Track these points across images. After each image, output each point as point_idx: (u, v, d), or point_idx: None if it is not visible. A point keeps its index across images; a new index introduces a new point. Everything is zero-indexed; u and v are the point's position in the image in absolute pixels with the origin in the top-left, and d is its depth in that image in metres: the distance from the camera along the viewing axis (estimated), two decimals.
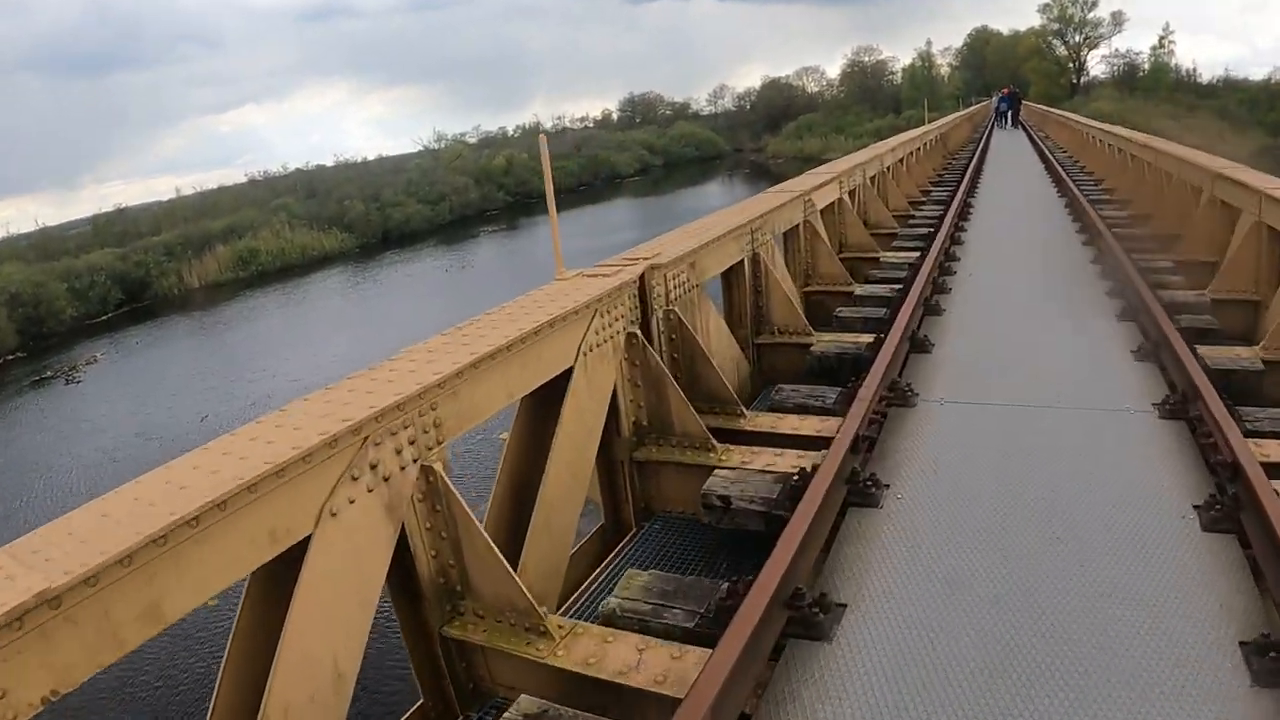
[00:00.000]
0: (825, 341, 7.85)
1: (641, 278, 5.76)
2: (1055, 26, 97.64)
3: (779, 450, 5.44)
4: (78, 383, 27.46)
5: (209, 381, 24.33)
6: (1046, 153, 25.00)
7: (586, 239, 42.89)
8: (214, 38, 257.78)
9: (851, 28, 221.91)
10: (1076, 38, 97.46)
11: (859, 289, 9.64)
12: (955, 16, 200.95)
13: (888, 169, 15.93)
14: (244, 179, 73.04)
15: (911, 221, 14.25)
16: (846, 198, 11.96)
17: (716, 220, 7.97)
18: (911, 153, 19.82)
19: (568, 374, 4.83)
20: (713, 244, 6.95)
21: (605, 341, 5.22)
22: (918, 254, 10.64)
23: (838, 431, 5.10)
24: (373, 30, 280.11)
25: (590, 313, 5.03)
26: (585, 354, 4.96)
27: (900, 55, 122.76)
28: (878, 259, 11.32)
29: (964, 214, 14.23)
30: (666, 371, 5.63)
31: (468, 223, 58.77)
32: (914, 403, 6.10)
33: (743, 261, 7.80)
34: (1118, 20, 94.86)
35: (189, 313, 38.87)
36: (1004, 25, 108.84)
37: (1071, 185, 16.26)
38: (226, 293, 42.25)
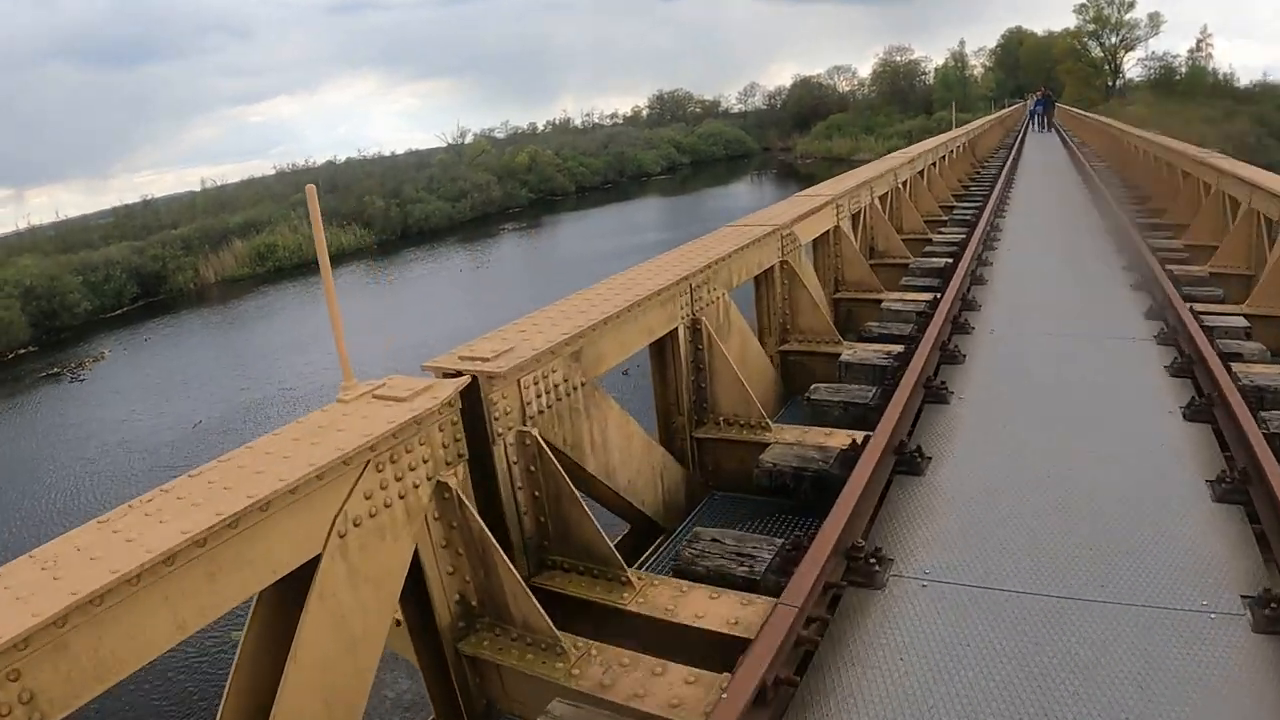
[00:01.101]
0: (783, 445, 5.74)
1: (469, 390, 4.04)
2: (1091, 28, 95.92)
3: (662, 662, 3.65)
4: (81, 381, 27.10)
5: (209, 385, 23.98)
6: (1083, 162, 23.55)
7: (608, 239, 43.06)
8: (244, 29, 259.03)
9: (885, 27, 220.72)
10: (1113, 39, 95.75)
11: (847, 352, 7.36)
12: (989, 17, 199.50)
13: (904, 184, 14.29)
14: (272, 171, 72.23)
15: (929, 248, 12.36)
16: (846, 225, 9.93)
17: (644, 275, 5.93)
18: (934, 163, 18.13)
19: (313, 564, 3.26)
20: (621, 317, 5.09)
21: (391, 505, 3.59)
22: (930, 296, 8.96)
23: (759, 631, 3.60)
24: (402, 22, 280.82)
25: (353, 470, 3.40)
26: (343, 534, 3.35)
27: (933, 55, 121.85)
28: (879, 302, 9.17)
29: (990, 238, 12.59)
30: (490, 537, 3.87)
31: (489, 220, 58.14)
32: (881, 582, 4.20)
33: (674, 333, 5.84)
34: (1155, 22, 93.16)
35: (202, 309, 38.71)
36: (1039, 26, 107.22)
37: (1115, 206, 14.63)
38: (242, 289, 42.06)
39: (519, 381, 4.22)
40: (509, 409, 4.17)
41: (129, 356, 30.30)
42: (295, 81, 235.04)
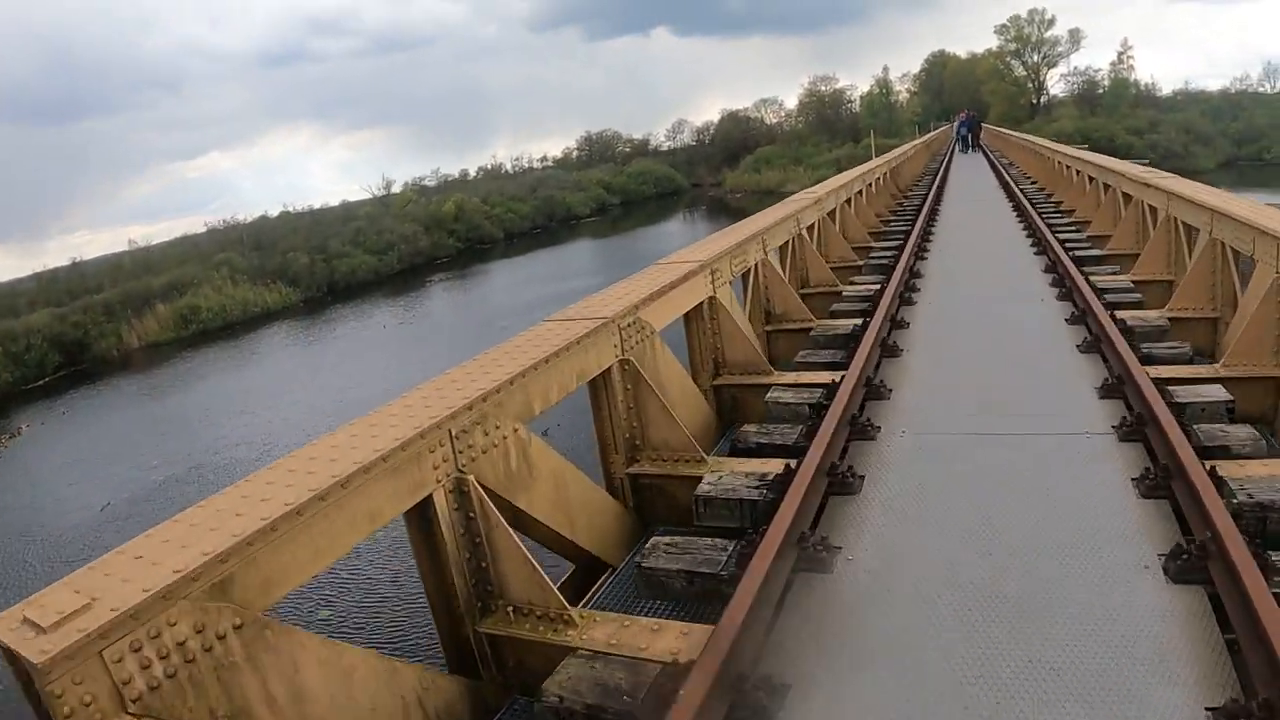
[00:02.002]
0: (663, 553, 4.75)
1: None
2: (1013, 47, 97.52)
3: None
4: None
5: (120, 463, 22.33)
6: (1011, 184, 21.92)
7: (535, 287, 42.08)
8: (178, 83, 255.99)
9: (811, 58, 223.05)
10: (1035, 57, 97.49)
11: (710, 477, 5.36)
12: (913, 42, 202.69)
13: (809, 229, 12.15)
14: (204, 228, 70.47)
15: (836, 305, 10.27)
16: (725, 295, 7.84)
17: (573, 314, 5.77)
18: (849, 200, 15.95)
19: None
20: (551, 360, 4.89)
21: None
22: (829, 379, 6.77)
23: None
24: (336, 74, 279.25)
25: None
26: None
27: (858, 83, 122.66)
28: (768, 386, 7.08)
29: (908, 289, 10.47)
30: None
31: (417, 272, 57.13)
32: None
33: (608, 372, 5.60)
34: (1075, 38, 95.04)
35: (123, 377, 36.76)
36: (962, 49, 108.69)
37: (1049, 236, 12.91)
38: (165, 353, 40.23)
39: (450, 431, 4.07)
40: (445, 456, 4.05)
41: (45, 432, 28.59)
42: (231, 135, 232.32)
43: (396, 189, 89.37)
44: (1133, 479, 4.73)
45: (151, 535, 3.12)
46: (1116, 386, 6.16)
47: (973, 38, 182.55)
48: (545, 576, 4.15)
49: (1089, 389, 6.37)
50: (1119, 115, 79.56)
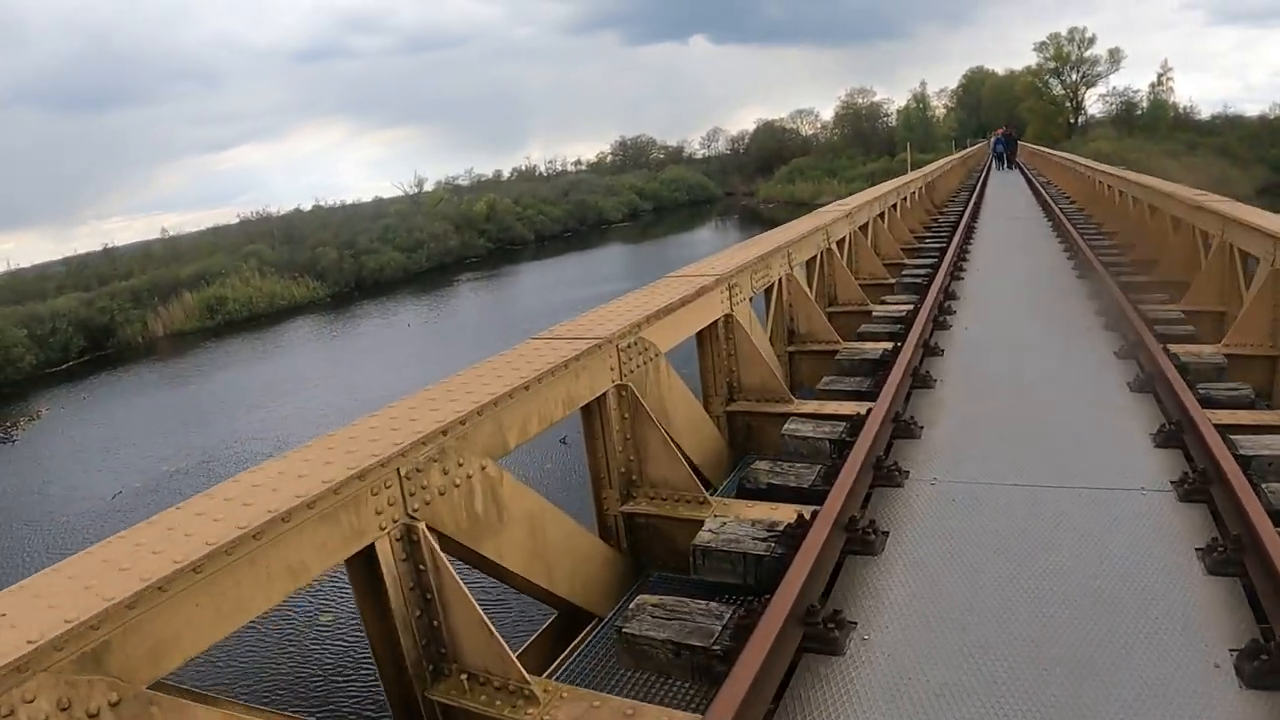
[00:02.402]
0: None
1: None
2: (1052, 65, 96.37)
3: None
4: (11, 443, 25.48)
5: (135, 451, 22.23)
6: (1051, 204, 21.09)
7: (563, 291, 41.64)
8: (212, 76, 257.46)
9: (848, 70, 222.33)
10: (1074, 76, 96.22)
11: (711, 523, 4.71)
12: (951, 58, 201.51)
13: (839, 243, 11.43)
14: (236, 220, 70.66)
15: (864, 329, 9.44)
16: (743, 312, 7.18)
17: (571, 332, 5.23)
18: (882, 213, 15.18)
19: None
20: (533, 386, 4.37)
21: None
22: (854, 410, 6.22)
23: None
24: (370, 71, 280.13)
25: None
26: None
27: (895, 97, 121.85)
28: (786, 416, 6.41)
29: (943, 311, 9.74)
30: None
31: (446, 271, 56.94)
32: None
33: (603, 398, 5.05)
34: (1115, 58, 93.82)
35: (146, 364, 37.06)
36: (1000, 65, 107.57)
37: (1092, 259, 11.96)
38: (189, 343, 40.34)
39: (398, 470, 3.53)
40: (391, 499, 3.50)
41: (64, 416, 28.63)
42: (263, 129, 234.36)
43: (429, 187, 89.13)
44: (1198, 549, 4.07)
45: (24, 587, 2.65)
46: (1175, 434, 5.46)
47: (1011, 54, 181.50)
48: (503, 643, 3.55)
49: (1143, 435, 5.66)
50: (1157, 137, 78.23)
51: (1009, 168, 44.28)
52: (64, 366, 37.30)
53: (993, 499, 4.90)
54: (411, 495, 3.56)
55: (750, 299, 7.47)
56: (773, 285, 8.32)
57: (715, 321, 6.71)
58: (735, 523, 4.62)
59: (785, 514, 4.63)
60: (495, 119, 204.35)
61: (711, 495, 5.20)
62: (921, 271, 12.54)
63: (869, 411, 5.85)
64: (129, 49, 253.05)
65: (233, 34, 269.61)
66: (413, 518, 3.56)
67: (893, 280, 12.48)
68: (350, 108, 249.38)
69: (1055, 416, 6.23)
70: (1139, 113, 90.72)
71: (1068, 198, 25.47)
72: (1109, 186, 19.24)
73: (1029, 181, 31.66)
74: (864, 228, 13.37)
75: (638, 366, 5.30)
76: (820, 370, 8.10)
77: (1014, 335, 8.84)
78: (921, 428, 6.11)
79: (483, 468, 3.95)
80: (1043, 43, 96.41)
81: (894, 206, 16.81)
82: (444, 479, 3.73)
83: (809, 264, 9.97)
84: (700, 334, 6.63)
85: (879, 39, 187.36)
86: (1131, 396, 6.52)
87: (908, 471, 5.36)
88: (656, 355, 5.53)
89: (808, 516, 4.34)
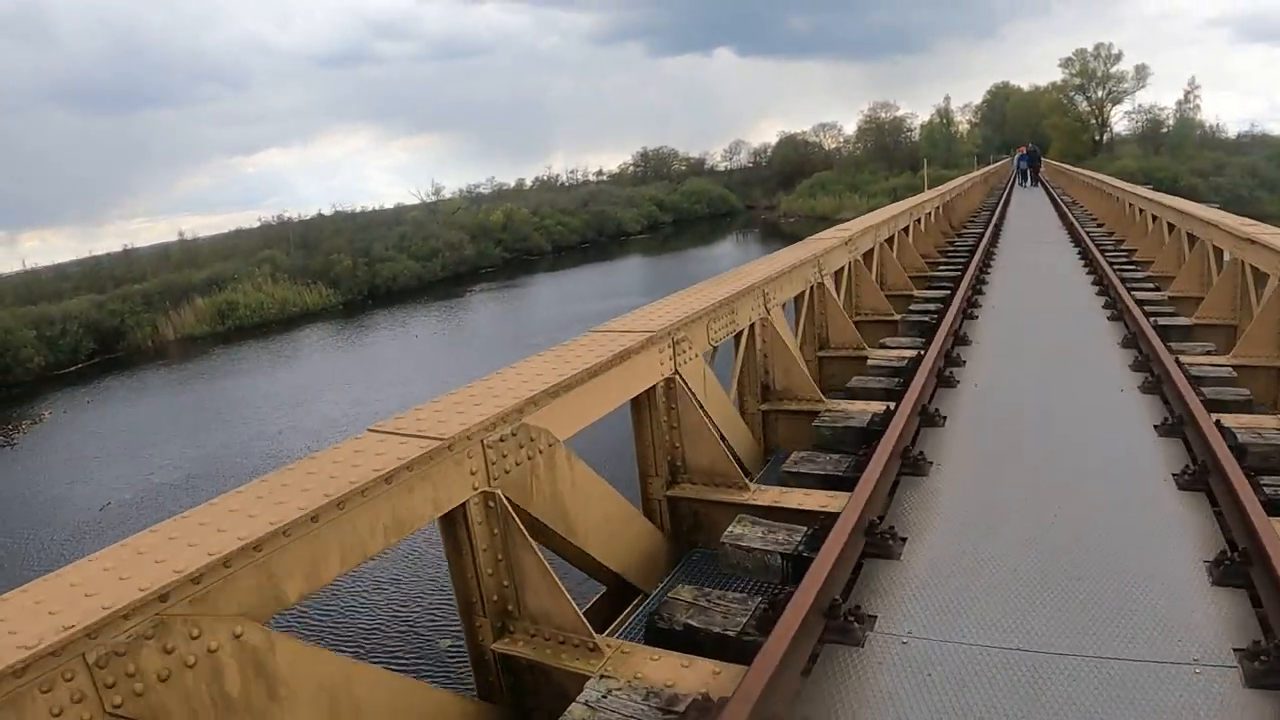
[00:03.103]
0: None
1: None
2: (1077, 81, 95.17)
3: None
4: (11, 446, 25.38)
5: (133, 459, 22.14)
6: (1077, 227, 19.39)
7: (579, 304, 41.50)
8: (239, 79, 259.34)
9: (872, 84, 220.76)
10: (1099, 92, 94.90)
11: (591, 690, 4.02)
12: (976, 73, 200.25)
13: (837, 273, 10.22)
14: (258, 223, 70.66)
15: (855, 383, 8.06)
16: (693, 371, 5.89)
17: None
18: (889, 239, 13.62)
19: None
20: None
21: None
22: (824, 503, 5.17)
23: None
24: (396, 77, 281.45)
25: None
26: None
27: (919, 112, 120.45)
28: (741, 506, 5.39)
29: (950, 362, 8.32)
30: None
31: (461, 280, 56.78)
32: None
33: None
34: (1141, 75, 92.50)
35: (154, 369, 37.05)
36: (1025, 81, 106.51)
37: (1125, 297, 10.52)
38: (199, 348, 40.56)
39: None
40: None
41: (67, 420, 28.60)
42: (289, 133, 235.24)
43: (449, 194, 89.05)
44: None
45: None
46: (1238, 569, 4.07)
47: (1037, 71, 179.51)
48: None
49: (1196, 567, 4.24)
50: (1184, 156, 76.90)
51: (1033, 184, 44.24)
52: (73, 368, 37.31)
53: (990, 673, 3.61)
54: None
55: (713, 351, 6.38)
56: (742, 332, 6.95)
57: (653, 387, 5.50)
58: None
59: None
60: (520, 128, 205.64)
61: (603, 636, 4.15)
62: (931, 308, 11.20)
63: (838, 516, 4.55)
64: (156, 50, 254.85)
65: (260, 37, 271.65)
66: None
67: (898, 316, 11.11)
68: (377, 114, 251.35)
69: (1084, 510, 4.87)
70: (1165, 130, 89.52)
71: (1094, 219, 24.25)
72: (1139, 210, 17.91)
73: (1053, 201, 30.41)
74: (868, 255, 12.10)
75: (513, 466, 4.17)
76: (799, 435, 6.99)
77: (1033, 398, 7.29)
78: (904, 540, 4.71)
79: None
80: (1068, 58, 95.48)
81: (906, 230, 15.37)
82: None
83: (798, 300, 8.75)
84: (636, 400, 5.42)
85: (902, 54, 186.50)
86: (1179, 495, 5.05)
87: (874, 618, 4.04)
88: (550, 445, 4.40)
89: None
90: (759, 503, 5.28)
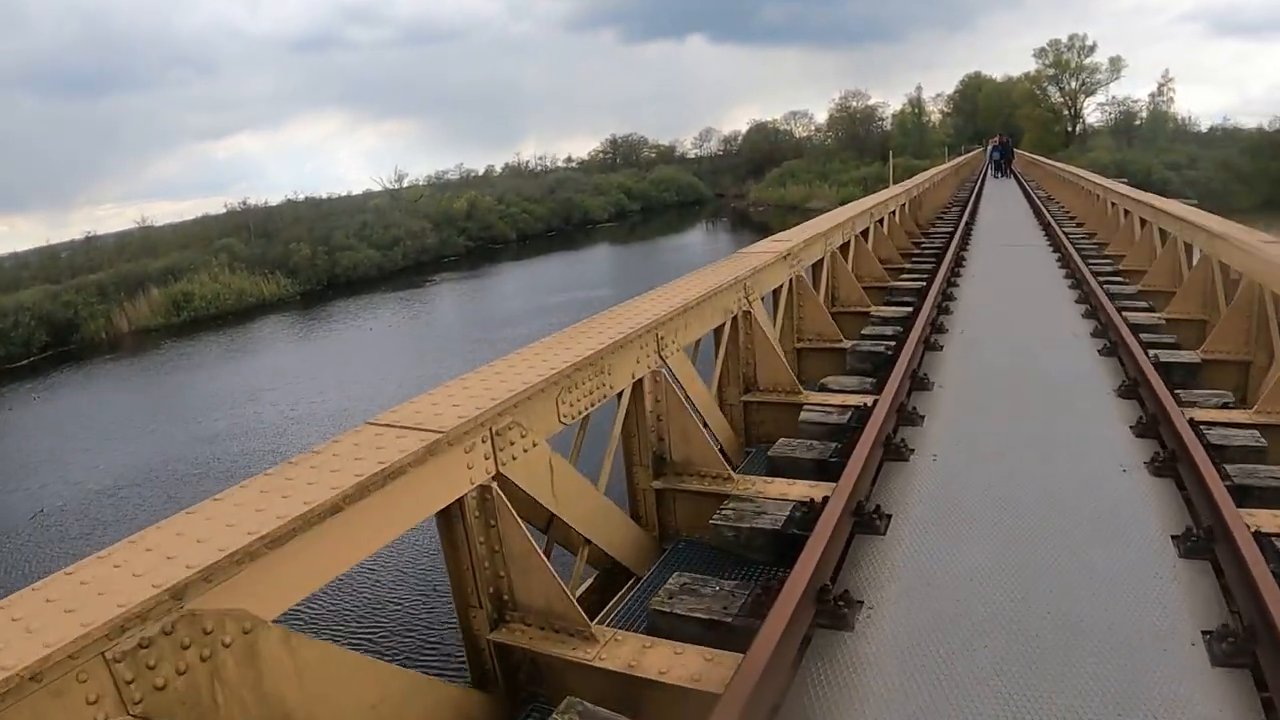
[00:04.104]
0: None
1: None
2: (1051, 72, 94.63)
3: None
4: None
5: (71, 460, 21.52)
6: (1054, 227, 17.62)
7: (540, 296, 41.23)
8: (208, 64, 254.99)
9: (844, 73, 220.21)
10: (1073, 84, 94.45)
11: None
12: (948, 63, 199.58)
13: (773, 295, 8.61)
14: (224, 209, 68.95)
15: (778, 451, 6.12)
16: (513, 471, 4.48)
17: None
18: (844, 246, 11.77)
19: None
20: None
21: None
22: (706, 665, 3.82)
23: None
24: (367, 62, 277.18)
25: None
26: None
27: (891, 101, 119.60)
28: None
29: (904, 418, 6.40)
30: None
31: (422, 269, 56.32)
32: None
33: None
34: (1116, 66, 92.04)
35: (107, 363, 36.67)
36: (998, 72, 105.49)
37: (1113, 315, 8.96)
38: (152, 340, 40.39)
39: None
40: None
41: (9, 419, 28.30)
42: (260, 118, 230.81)
43: (421, 181, 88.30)
44: None
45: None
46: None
47: (1010, 61, 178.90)
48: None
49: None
50: (1157, 149, 76.49)
51: (1005, 176, 44.10)
52: (25, 362, 36.86)
53: None
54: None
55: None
56: (624, 392, 5.31)
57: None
58: None
59: None
60: (492, 114, 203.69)
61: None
62: (888, 331, 9.38)
63: (743, 659, 3.30)
64: (125, 34, 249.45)
65: (230, 21, 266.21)
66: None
67: (847, 345, 9.02)
68: (348, 99, 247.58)
69: (1079, 595, 3.95)
70: (1138, 123, 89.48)
71: (1071, 217, 22.62)
72: (1125, 211, 16.17)
73: (1027, 196, 28.89)
74: (817, 266, 10.37)
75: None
76: (704, 510, 5.39)
77: (1007, 483, 5.24)
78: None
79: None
80: (1042, 49, 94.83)
81: (864, 233, 13.38)
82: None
83: (718, 332, 6.87)
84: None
85: (876, 42, 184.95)
86: (1186, 564, 4.14)
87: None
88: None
89: None
90: (674, 588, 4.45)
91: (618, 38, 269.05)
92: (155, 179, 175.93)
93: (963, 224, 18.08)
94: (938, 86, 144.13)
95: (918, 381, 7.30)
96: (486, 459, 3.93)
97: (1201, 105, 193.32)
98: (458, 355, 27.35)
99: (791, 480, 5.52)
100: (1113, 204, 17.47)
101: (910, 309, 10.08)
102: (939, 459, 5.69)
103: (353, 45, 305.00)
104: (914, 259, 15.04)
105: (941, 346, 8.72)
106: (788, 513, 4.96)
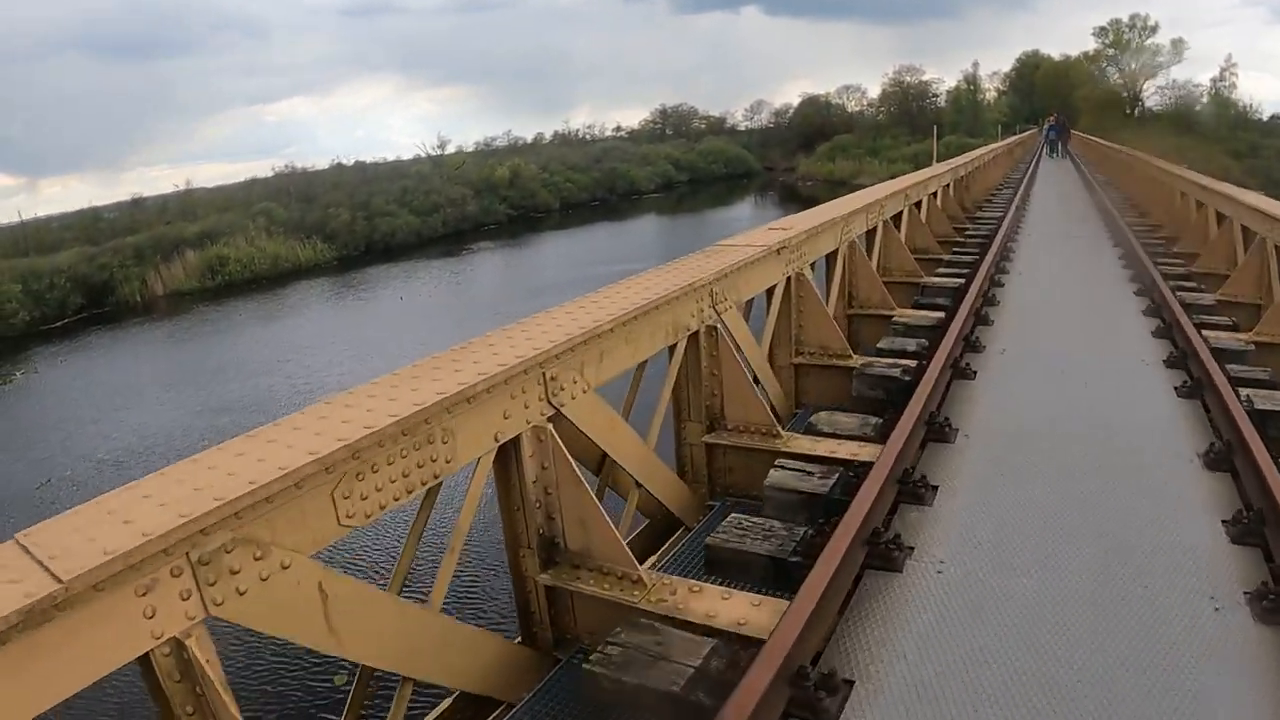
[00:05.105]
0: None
1: None
2: (1110, 52, 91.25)
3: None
4: None
5: (92, 425, 21.63)
6: (1113, 215, 15.84)
7: (579, 268, 40.00)
8: (258, 28, 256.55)
9: (899, 48, 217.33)
10: (1132, 65, 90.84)
11: None
12: (1005, 41, 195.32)
13: (767, 295, 6.88)
14: (271, 173, 69.71)
15: (733, 536, 4.48)
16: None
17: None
18: (870, 232, 10.20)
19: None
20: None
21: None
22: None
23: None
24: (419, 28, 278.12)
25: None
26: None
27: (946, 78, 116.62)
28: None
29: (912, 494, 4.81)
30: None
31: (462, 237, 56.45)
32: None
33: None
34: (1178, 48, 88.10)
35: (140, 326, 36.73)
36: (1056, 50, 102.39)
37: (1206, 360, 6.51)
38: (187, 303, 40.53)
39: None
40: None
41: (34, 382, 28.12)
42: (311, 83, 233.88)
43: (469, 148, 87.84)
44: None
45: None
46: None
47: (1069, 40, 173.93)
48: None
49: None
50: (1218, 136, 73.61)
51: (1062, 156, 43.81)
52: (59, 324, 36.92)
53: None
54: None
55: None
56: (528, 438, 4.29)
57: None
58: None
59: None
60: (543, 83, 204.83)
61: None
62: (910, 347, 7.58)
63: None
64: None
65: None
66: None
67: (856, 365, 7.00)
68: (399, 64, 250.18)
69: None
70: (1198, 108, 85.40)
71: (1135, 208, 20.57)
72: (1198, 203, 14.23)
73: (1085, 181, 27.01)
74: (831, 257, 8.65)
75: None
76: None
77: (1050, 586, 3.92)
78: None
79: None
80: (1102, 28, 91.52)
81: (897, 217, 11.66)
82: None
83: (671, 353, 5.33)
84: None
85: (932, 17, 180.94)
86: None
87: None
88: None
89: None
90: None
91: (671, 7, 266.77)
92: (207, 142, 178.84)
93: (1011, 213, 16.36)
94: (994, 64, 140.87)
95: (939, 432, 5.62)
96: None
97: (1263, 93, 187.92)
98: (486, 322, 25.54)
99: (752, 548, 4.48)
100: (1197, 200, 15.39)
101: (938, 321, 8.47)
102: (946, 568, 4.13)
103: (403, 10, 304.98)
104: (957, 248, 13.42)
105: (975, 373, 6.89)
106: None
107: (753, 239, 6.91)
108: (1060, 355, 7.49)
